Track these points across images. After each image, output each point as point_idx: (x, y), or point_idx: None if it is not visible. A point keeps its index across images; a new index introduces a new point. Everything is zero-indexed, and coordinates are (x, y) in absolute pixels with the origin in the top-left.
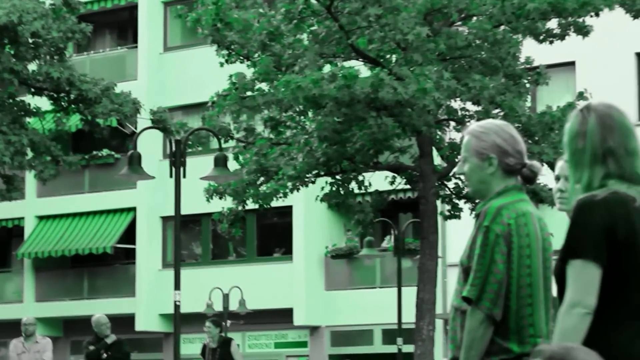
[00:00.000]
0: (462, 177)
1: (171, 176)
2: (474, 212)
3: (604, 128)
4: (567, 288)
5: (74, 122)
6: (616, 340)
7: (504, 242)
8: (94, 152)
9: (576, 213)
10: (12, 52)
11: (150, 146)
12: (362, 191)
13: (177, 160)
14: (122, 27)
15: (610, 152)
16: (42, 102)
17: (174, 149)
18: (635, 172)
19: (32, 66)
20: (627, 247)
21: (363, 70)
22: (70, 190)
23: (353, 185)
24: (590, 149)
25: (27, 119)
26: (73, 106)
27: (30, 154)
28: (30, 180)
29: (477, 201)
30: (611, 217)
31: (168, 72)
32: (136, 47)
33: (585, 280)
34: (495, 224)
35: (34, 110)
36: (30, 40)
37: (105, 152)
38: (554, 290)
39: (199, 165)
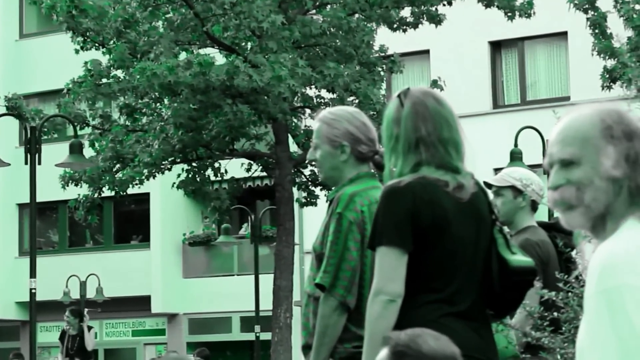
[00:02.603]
0: (315, 163)
1: (26, 163)
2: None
3: (417, 116)
4: (374, 275)
5: None
6: (416, 315)
7: (357, 230)
8: None
9: (381, 200)
10: None
11: (6, 133)
12: (219, 178)
13: (32, 147)
14: None
15: (422, 140)
16: None
17: (29, 136)
18: (448, 161)
19: None
20: (435, 232)
21: (218, 57)
22: None
23: (209, 172)
24: (403, 136)
25: None
26: None
27: None
28: None
29: (321, 179)
30: (415, 201)
31: (24, 59)
32: None
33: (389, 267)
34: (349, 211)
35: None
36: None
37: None
38: None
39: (55, 153)
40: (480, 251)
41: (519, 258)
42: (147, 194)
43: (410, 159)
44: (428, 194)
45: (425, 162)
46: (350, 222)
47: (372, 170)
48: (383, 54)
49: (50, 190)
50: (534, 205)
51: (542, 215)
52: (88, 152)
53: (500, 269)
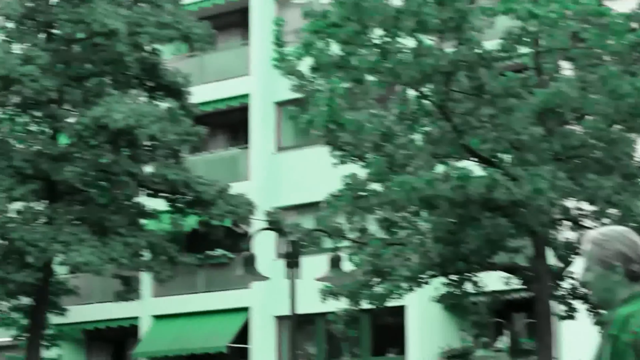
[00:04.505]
0: (585, 283)
1: (286, 276)
2: (591, 315)
3: None
4: None
5: (189, 223)
6: None
7: (633, 351)
8: (208, 252)
9: None
10: (129, 154)
11: (264, 246)
12: (477, 292)
13: (291, 261)
14: (235, 127)
15: None
16: (158, 203)
17: (288, 249)
18: None
19: (149, 168)
20: None
21: (476, 170)
22: (185, 289)
23: (468, 285)
24: None
25: (144, 221)
26: (189, 208)
27: (147, 255)
28: (146, 280)
29: (593, 301)
30: None
31: (281, 171)
32: (248, 147)
33: None
34: (624, 333)
35: (151, 212)
36: (148, 143)
37: (219, 252)
38: None
39: (312, 265)
40: None
41: None
42: (403, 307)
43: None
44: None
45: None
46: (626, 344)
47: None
48: None
49: (308, 302)
50: None
51: None
52: (346, 265)
53: None
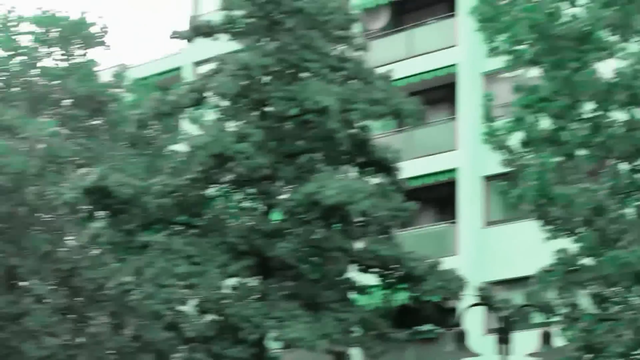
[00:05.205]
0: None
1: (497, 352)
2: None
3: None
4: None
5: (400, 298)
6: None
7: None
8: (416, 327)
9: None
10: (341, 230)
11: (472, 321)
12: None
13: (503, 337)
14: (443, 202)
15: None
16: (368, 279)
17: (499, 324)
18: None
19: (360, 244)
20: None
21: None
22: None
23: None
24: None
25: (354, 296)
26: (400, 283)
27: (358, 331)
28: (356, 356)
29: None
30: None
31: (489, 246)
32: (455, 222)
33: None
34: None
35: (362, 287)
36: (359, 219)
37: (427, 327)
38: None
39: (522, 340)
40: None
41: None
42: None
43: None
44: None
45: None
46: None
47: None
48: None
49: None
50: None
51: None
52: (557, 340)
53: None
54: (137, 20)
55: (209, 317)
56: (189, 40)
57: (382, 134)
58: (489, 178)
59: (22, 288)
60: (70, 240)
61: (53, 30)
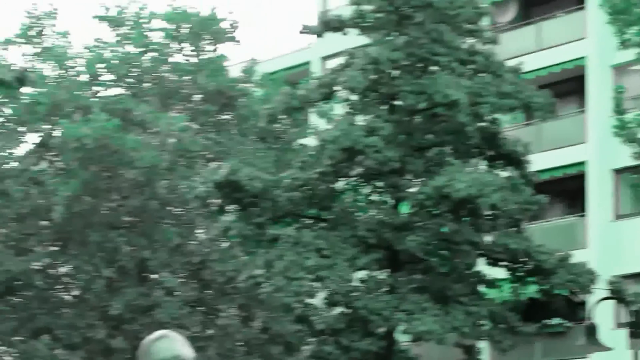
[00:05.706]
0: None
1: (629, 347)
2: None
3: None
4: None
5: (529, 292)
6: None
7: None
8: (545, 321)
9: None
10: (471, 223)
11: (602, 315)
12: None
13: (635, 331)
14: (572, 195)
15: None
16: (497, 272)
17: (631, 318)
18: None
19: (489, 237)
20: None
21: None
22: (523, 359)
23: None
24: None
25: (483, 289)
26: (529, 277)
27: (487, 324)
28: (484, 349)
29: None
30: None
31: (618, 240)
32: (585, 215)
33: None
34: None
35: (491, 280)
36: (488, 212)
37: (556, 320)
38: None
39: None
40: None
41: None
42: None
43: None
44: None
45: None
46: None
47: None
48: None
49: None
50: None
51: None
52: None
53: None
54: (266, 15)
55: (338, 310)
56: (319, 35)
57: (510, 127)
58: (619, 171)
59: (152, 281)
60: (200, 234)
61: (184, 26)
